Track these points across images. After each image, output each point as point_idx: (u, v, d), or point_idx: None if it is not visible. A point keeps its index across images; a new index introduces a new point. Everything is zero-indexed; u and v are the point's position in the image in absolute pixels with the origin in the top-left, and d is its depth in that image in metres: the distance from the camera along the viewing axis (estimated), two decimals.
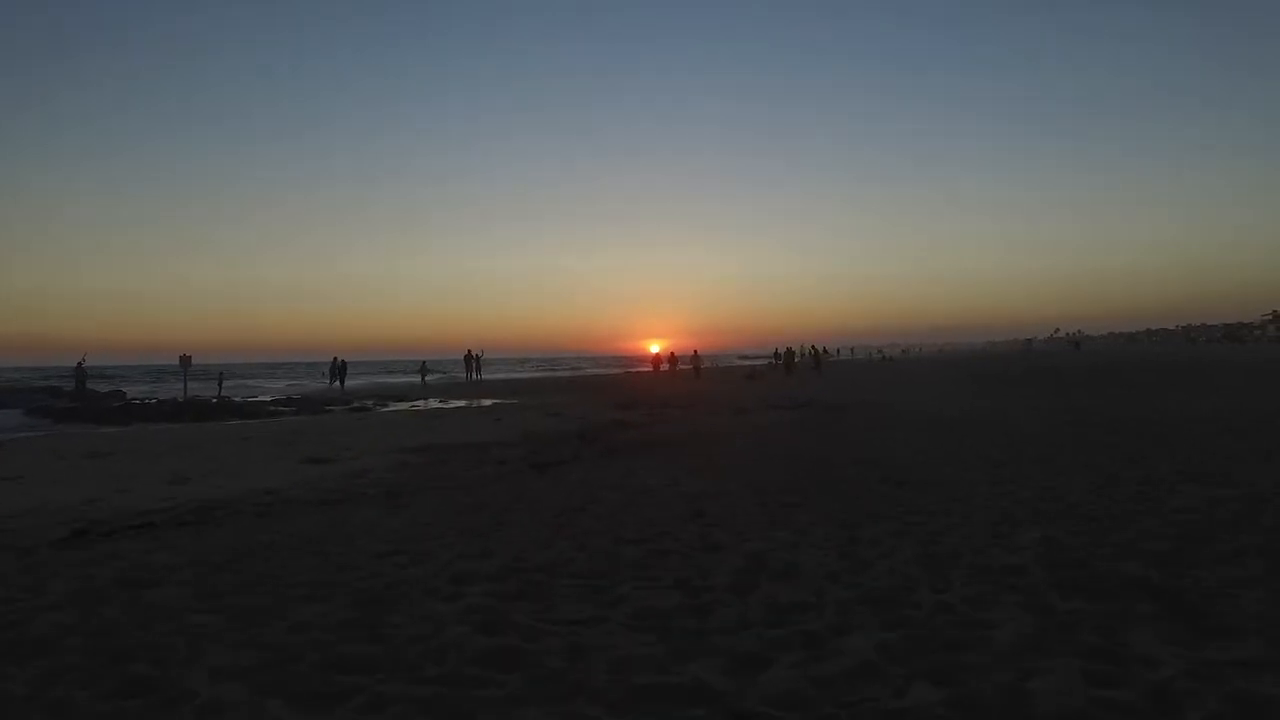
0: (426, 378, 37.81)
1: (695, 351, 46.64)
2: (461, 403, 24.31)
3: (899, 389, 22.72)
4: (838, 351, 48.51)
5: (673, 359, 48.73)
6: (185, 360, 29.73)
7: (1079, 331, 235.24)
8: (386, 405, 24.97)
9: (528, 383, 35.54)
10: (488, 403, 23.69)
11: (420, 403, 25.07)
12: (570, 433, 12.75)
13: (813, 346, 37.70)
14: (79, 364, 27.75)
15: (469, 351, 36.36)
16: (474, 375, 36.11)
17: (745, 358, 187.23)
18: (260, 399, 29.35)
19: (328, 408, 23.96)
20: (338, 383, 32.45)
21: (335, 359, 32.55)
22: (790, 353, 43.18)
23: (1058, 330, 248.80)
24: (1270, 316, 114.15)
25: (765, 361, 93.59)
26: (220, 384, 33.01)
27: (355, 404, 24.99)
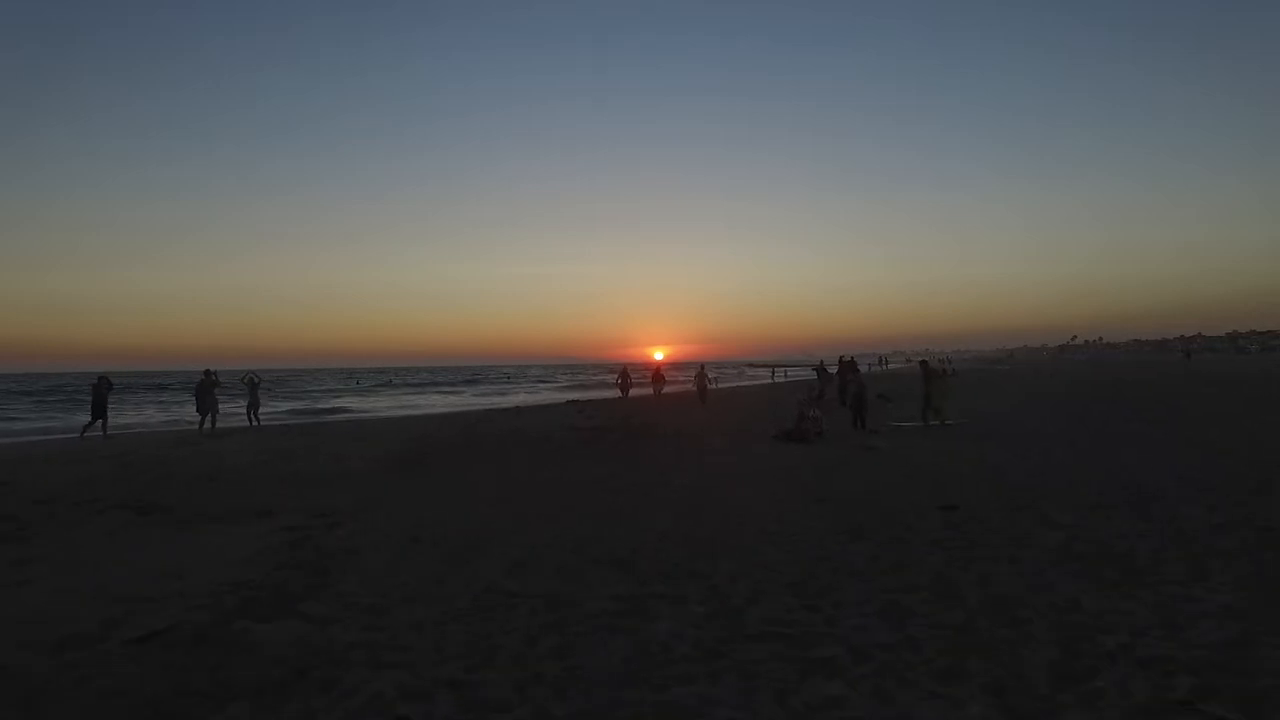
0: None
1: (702, 367, 30.03)
2: None
3: None
4: (949, 365, 30.51)
5: (659, 377, 31.10)
6: None
7: (1100, 338, 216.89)
8: None
9: (345, 434, 17.52)
10: None
11: None
12: None
13: (922, 360, 19.15)
14: None
15: (207, 372, 18.23)
16: (213, 422, 17.97)
17: (754, 366, 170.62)
18: None
19: None
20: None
21: None
22: (848, 368, 25.44)
23: (1074, 337, 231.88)
24: None
25: (769, 370, 74.45)
26: None
27: None
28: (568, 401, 29.60)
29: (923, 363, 17.71)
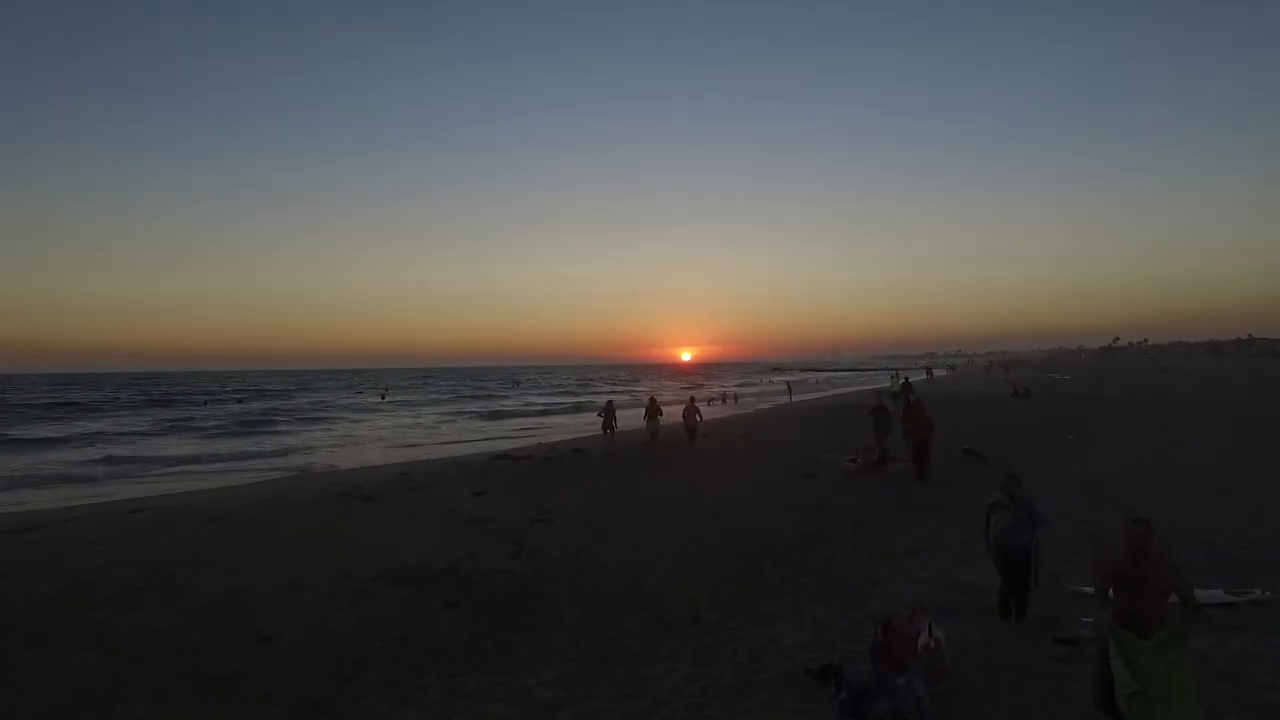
0: None
1: (692, 399, 22.44)
2: None
3: None
4: (1009, 373, 20.98)
5: (653, 412, 23.23)
6: None
7: (1146, 340, 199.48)
8: None
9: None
10: None
11: None
12: None
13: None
14: None
15: None
16: None
17: (779, 370, 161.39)
18: None
19: None
20: None
21: None
22: (921, 417, 17.07)
23: (1117, 339, 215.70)
24: None
25: (791, 380, 64.26)
26: None
27: None
28: (495, 457, 19.18)
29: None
